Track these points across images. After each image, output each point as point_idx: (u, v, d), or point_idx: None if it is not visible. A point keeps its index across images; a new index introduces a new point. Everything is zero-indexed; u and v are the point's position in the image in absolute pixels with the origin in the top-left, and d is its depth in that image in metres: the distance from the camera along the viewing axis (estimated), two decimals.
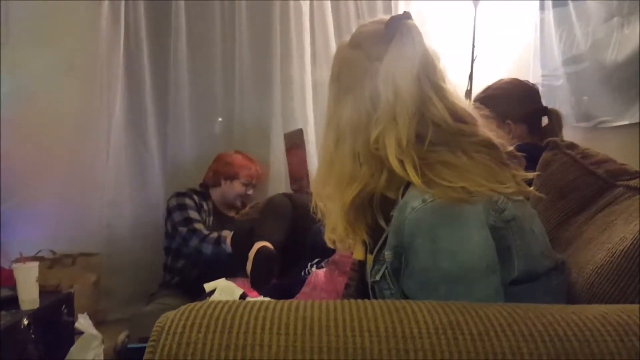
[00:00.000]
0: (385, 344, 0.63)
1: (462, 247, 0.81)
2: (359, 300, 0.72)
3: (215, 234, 2.27)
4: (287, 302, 0.71)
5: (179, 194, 2.46)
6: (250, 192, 2.56)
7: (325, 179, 0.95)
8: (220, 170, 2.53)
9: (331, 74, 0.98)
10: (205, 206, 2.49)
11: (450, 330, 0.65)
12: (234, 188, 2.51)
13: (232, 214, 2.55)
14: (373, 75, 0.90)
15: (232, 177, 2.50)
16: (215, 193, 2.53)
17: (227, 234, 2.22)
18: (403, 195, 0.87)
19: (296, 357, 0.62)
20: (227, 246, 2.19)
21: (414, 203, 0.83)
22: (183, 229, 2.33)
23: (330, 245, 0.99)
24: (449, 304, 0.71)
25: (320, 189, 0.96)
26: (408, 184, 0.87)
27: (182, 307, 0.69)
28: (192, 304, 0.69)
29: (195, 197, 2.48)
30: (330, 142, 0.93)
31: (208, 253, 2.24)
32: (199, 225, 2.33)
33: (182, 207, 2.40)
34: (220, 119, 2.87)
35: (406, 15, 0.95)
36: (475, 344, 0.64)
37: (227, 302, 0.70)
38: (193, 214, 2.38)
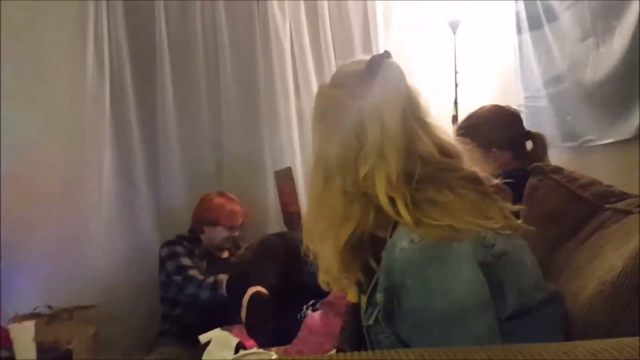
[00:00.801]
0: None
1: (453, 286, 0.80)
2: (348, 354, 0.70)
3: (211, 279, 2.23)
4: None
5: (168, 243, 2.44)
6: (236, 234, 2.52)
7: (315, 218, 0.94)
8: (201, 216, 2.51)
9: (314, 114, 0.98)
10: (196, 251, 2.47)
11: None
12: (218, 233, 2.48)
13: (225, 255, 2.52)
14: (358, 113, 0.90)
15: (214, 223, 2.48)
16: (203, 238, 2.51)
17: (224, 278, 2.19)
18: (391, 234, 0.87)
19: None
20: (224, 290, 2.17)
21: (402, 243, 0.82)
22: (178, 278, 2.30)
23: (324, 287, 0.97)
24: (438, 351, 0.70)
25: (311, 228, 0.95)
26: (396, 223, 0.87)
27: None
28: None
29: (186, 243, 2.45)
30: (318, 180, 0.93)
31: (205, 299, 2.21)
32: (193, 272, 2.30)
33: (174, 256, 2.38)
34: (212, 163, 2.86)
35: (387, 54, 0.96)
36: None
37: None
38: (185, 261, 2.35)
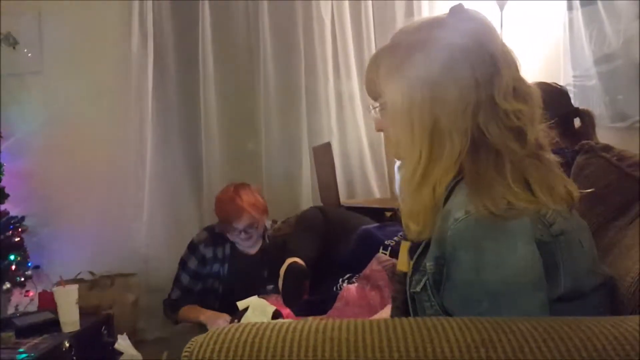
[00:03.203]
0: None
1: (507, 261, 0.78)
2: (388, 319, 0.70)
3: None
4: (315, 322, 0.70)
5: (191, 245, 2.26)
6: (246, 235, 2.18)
7: (415, 162, 0.88)
8: (218, 217, 2.25)
9: (396, 62, 0.91)
10: (220, 253, 2.25)
11: (483, 348, 0.63)
12: (230, 232, 2.21)
13: (254, 252, 2.26)
14: (464, 53, 0.86)
15: (227, 228, 2.21)
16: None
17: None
18: (445, 200, 0.84)
19: None
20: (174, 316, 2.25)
21: (457, 214, 0.80)
22: (171, 291, 2.29)
23: (412, 237, 0.91)
24: (481, 320, 0.69)
25: (411, 171, 0.89)
26: (452, 189, 0.84)
27: (210, 331, 0.69)
28: (220, 328, 0.69)
29: (210, 249, 2.23)
30: (422, 122, 0.87)
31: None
32: (176, 294, 2.26)
33: (183, 265, 2.26)
34: (251, 142, 2.87)
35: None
36: None
37: (254, 324, 0.70)
38: (185, 279, 2.25)
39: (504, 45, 0.90)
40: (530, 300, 0.79)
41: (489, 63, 0.86)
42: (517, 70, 0.88)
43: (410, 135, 0.88)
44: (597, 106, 2.14)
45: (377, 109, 0.95)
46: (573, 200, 0.87)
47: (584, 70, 2.29)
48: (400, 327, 0.67)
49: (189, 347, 0.66)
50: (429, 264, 0.84)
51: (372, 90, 0.96)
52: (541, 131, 0.88)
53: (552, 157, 0.88)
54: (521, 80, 0.88)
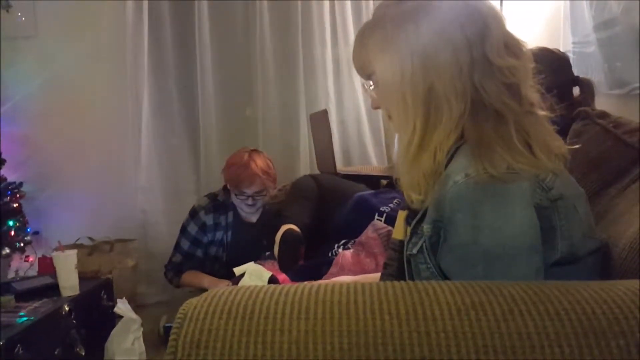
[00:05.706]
0: (406, 326, 0.63)
1: (504, 225, 0.78)
2: (380, 282, 0.71)
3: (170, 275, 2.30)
4: (308, 285, 0.71)
5: (192, 211, 2.26)
6: (253, 201, 2.20)
7: (413, 129, 0.87)
8: (228, 181, 2.24)
9: (392, 30, 0.88)
10: (223, 221, 2.25)
11: (473, 310, 0.64)
12: (235, 199, 2.22)
13: (255, 220, 2.28)
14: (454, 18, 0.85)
15: (235, 192, 2.21)
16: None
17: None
18: (445, 166, 0.84)
19: (316, 341, 0.62)
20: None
21: (457, 177, 0.80)
22: (172, 255, 2.30)
23: (413, 205, 0.91)
24: (472, 283, 0.70)
25: (408, 140, 0.88)
26: (453, 154, 0.84)
27: (205, 294, 0.70)
28: (215, 291, 0.70)
29: (210, 216, 2.23)
30: (417, 89, 0.85)
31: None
32: (176, 258, 2.28)
33: (183, 230, 2.27)
34: (248, 108, 2.86)
35: None
36: (499, 324, 0.63)
37: (248, 287, 0.70)
38: (185, 244, 2.26)
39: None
40: (525, 265, 0.79)
41: (478, 19, 0.85)
42: (504, 25, 0.87)
43: (403, 107, 0.87)
44: (595, 73, 2.12)
45: (371, 87, 0.95)
46: (565, 156, 0.87)
47: (583, 36, 2.25)
48: (391, 290, 0.68)
49: (184, 309, 0.67)
50: (426, 226, 0.85)
51: (363, 69, 0.95)
52: (532, 87, 0.88)
53: (543, 113, 0.88)
54: (510, 34, 0.87)
